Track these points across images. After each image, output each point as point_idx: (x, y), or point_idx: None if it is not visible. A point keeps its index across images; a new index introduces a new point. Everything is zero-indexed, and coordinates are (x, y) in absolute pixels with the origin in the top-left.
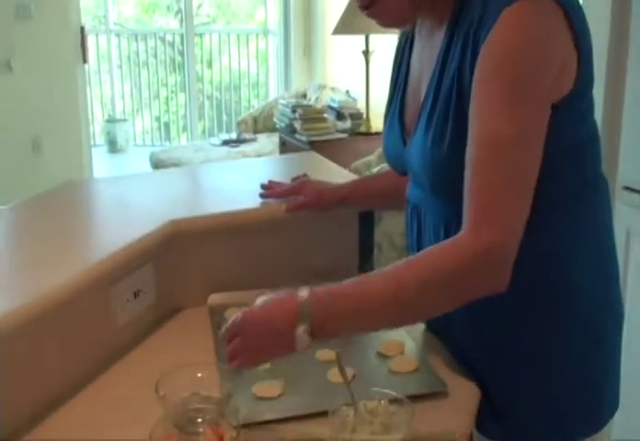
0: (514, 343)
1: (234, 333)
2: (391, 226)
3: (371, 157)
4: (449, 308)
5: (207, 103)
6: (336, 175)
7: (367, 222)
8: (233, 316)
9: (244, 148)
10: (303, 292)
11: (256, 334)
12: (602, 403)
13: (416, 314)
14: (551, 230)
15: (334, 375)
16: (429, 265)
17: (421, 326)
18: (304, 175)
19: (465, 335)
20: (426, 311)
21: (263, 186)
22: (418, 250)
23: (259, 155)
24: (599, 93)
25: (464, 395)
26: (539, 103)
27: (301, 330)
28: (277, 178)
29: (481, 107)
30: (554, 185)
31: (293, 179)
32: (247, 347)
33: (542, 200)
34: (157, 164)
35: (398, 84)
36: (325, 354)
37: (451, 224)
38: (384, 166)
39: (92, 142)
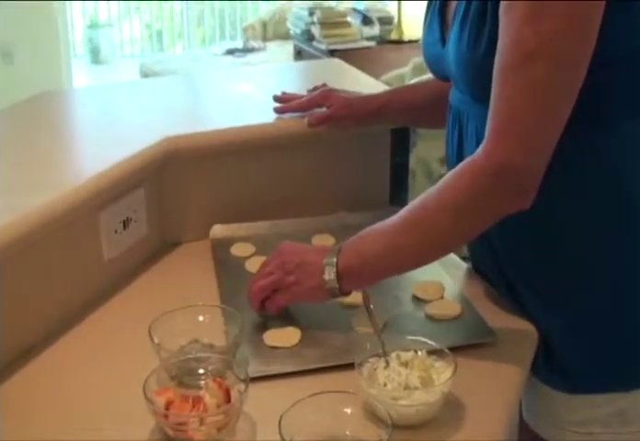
0: (569, 274)
1: (270, 259)
2: (427, 151)
3: (405, 69)
4: (473, 234)
5: (207, 9)
6: (365, 86)
7: (401, 143)
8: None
9: (251, 58)
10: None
11: (290, 256)
12: None
13: (439, 249)
14: (614, 141)
15: (360, 321)
16: (442, 198)
17: (464, 265)
18: (324, 85)
19: (515, 272)
20: (450, 243)
21: (277, 99)
22: (458, 161)
23: None
24: None
25: (517, 344)
26: (577, 14)
27: (327, 259)
28: (293, 90)
29: (509, 11)
30: (614, 91)
31: (310, 91)
32: (282, 268)
33: (598, 108)
34: (149, 77)
35: None
36: (350, 297)
37: None
38: (421, 80)
39: (72, 52)
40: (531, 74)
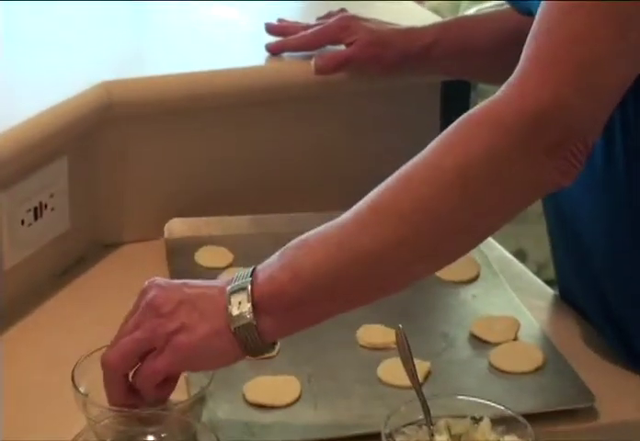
0: None
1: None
2: None
3: None
4: (490, 224)
5: None
6: (403, 14)
7: (456, 105)
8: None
9: None
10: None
11: (166, 292)
12: None
13: (431, 253)
14: None
15: (392, 370)
16: (440, 163)
17: (549, 292)
18: (342, 10)
19: (627, 304)
20: (452, 241)
21: (271, 30)
22: None
23: None
24: None
25: (626, 411)
26: None
27: (235, 284)
28: (295, 17)
29: None
30: None
31: (321, 18)
32: (154, 312)
33: None
34: None
35: None
36: (376, 333)
37: None
38: (487, 11)
39: None
40: None
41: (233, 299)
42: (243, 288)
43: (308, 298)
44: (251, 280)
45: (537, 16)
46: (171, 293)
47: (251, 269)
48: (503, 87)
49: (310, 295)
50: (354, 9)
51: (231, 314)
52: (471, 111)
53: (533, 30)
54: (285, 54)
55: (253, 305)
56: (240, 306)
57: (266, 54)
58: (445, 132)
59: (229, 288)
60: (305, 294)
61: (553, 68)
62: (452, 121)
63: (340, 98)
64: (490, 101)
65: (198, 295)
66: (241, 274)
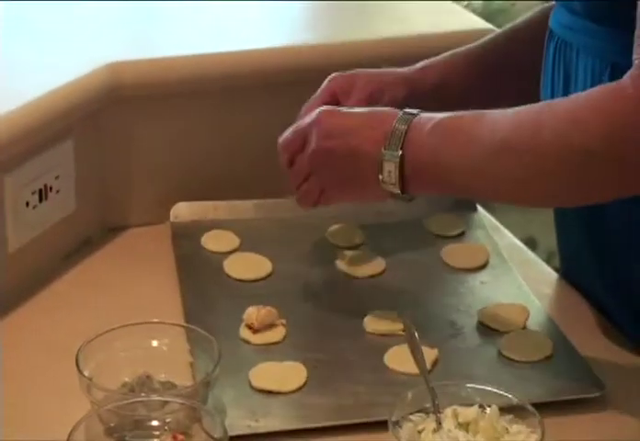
0: None
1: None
2: None
3: None
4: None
5: None
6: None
7: None
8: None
9: None
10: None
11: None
12: None
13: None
14: None
15: (399, 358)
16: (571, 116)
17: (554, 279)
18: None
19: None
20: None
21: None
22: None
23: None
24: None
25: (637, 401)
26: None
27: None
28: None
29: None
30: None
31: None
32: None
33: None
34: None
35: None
36: (383, 320)
37: (624, 68)
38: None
39: None
40: None
41: (385, 166)
42: (394, 157)
43: (445, 177)
44: (401, 153)
45: None
46: (332, 140)
47: (406, 123)
48: (631, 71)
49: (448, 177)
50: (389, 7)
51: (379, 179)
52: (598, 88)
53: None
54: (294, 35)
55: (401, 176)
56: (390, 175)
57: (275, 36)
58: (575, 98)
59: (383, 151)
60: (444, 177)
61: None
62: None
63: None
64: (620, 82)
65: (354, 150)
66: (396, 133)
